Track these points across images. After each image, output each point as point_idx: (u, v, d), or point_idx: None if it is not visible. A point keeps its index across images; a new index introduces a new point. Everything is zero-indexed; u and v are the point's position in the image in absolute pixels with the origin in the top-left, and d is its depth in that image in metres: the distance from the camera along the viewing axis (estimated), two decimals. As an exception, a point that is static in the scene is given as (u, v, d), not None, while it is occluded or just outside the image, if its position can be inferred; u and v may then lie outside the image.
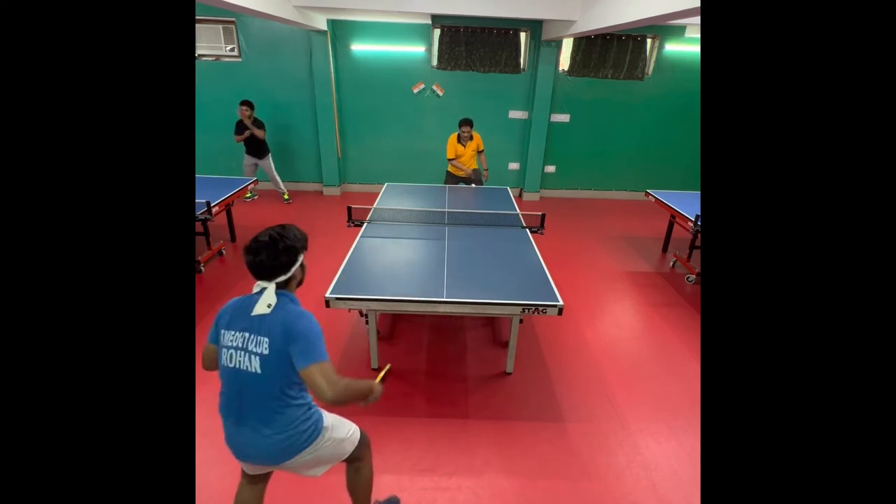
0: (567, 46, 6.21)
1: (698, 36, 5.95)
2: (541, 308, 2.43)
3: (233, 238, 4.83)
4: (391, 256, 3.02)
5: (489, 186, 5.05)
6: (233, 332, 1.41)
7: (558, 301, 2.44)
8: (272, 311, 1.38)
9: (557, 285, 2.63)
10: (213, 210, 3.89)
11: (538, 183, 6.80)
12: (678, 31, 6.08)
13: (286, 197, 6.22)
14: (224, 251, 4.56)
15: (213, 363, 1.55)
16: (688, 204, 4.47)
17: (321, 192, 6.76)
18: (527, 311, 2.46)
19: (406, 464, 2.23)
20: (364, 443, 1.70)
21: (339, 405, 1.42)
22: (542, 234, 3.56)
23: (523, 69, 6.27)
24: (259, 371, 1.37)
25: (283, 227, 1.46)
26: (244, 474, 1.66)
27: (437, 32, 6.02)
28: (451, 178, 5.37)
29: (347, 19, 5.93)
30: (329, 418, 1.57)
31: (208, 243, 4.30)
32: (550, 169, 6.87)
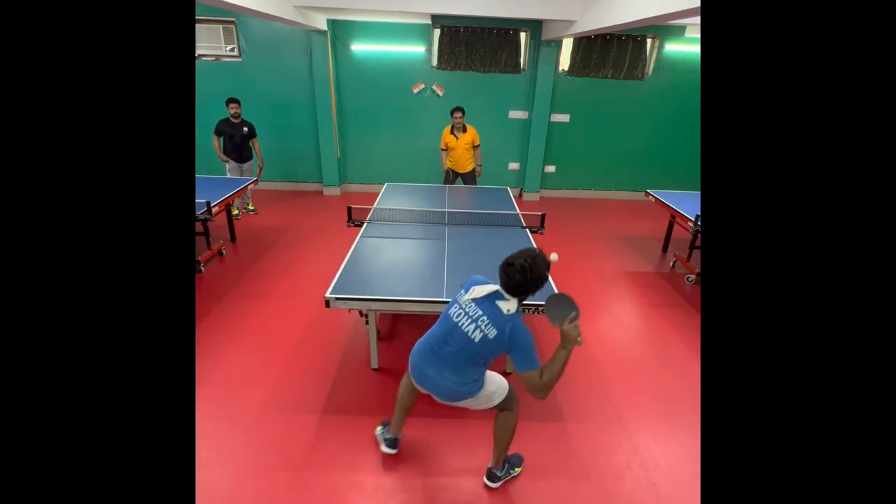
0: (567, 46, 6.21)
1: (698, 36, 5.95)
2: (541, 308, 2.43)
3: (233, 238, 4.84)
4: (391, 256, 3.02)
5: (489, 186, 5.05)
6: (474, 306, 1.77)
7: (558, 301, 2.44)
8: (509, 316, 1.72)
9: (557, 285, 2.63)
10: (213, 210, 3.89)
11: (538, 183, 6.80)
12: (678, 31, 6.09)
13: (251, 207, 5.82)
14: (224, 251, 4.56)
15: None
16: (688, 204, 4.46)
17: (321, 192, 6.76)
18: (527, 311, 2.46)
19: (405, 464, 2.23)
20: (513, 396, 2.01)
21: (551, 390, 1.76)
22: (542, 234, 3.56)
23: (523, 69, 6.28)
24: (476, 340, 1.75)
25: (534, 258, 1.73)
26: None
27: (437, 32, 6.02)
28: (449, 175, 5.39)
29: (347, 19, 5.93)
30: (489, 376, 1.94)
31: (208, 243, 4.30)
32: (550, 169, 6.87)
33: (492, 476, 2.11)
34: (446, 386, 1.85)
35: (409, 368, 1.97)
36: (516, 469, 2.18)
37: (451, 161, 5.27)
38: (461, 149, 5.13)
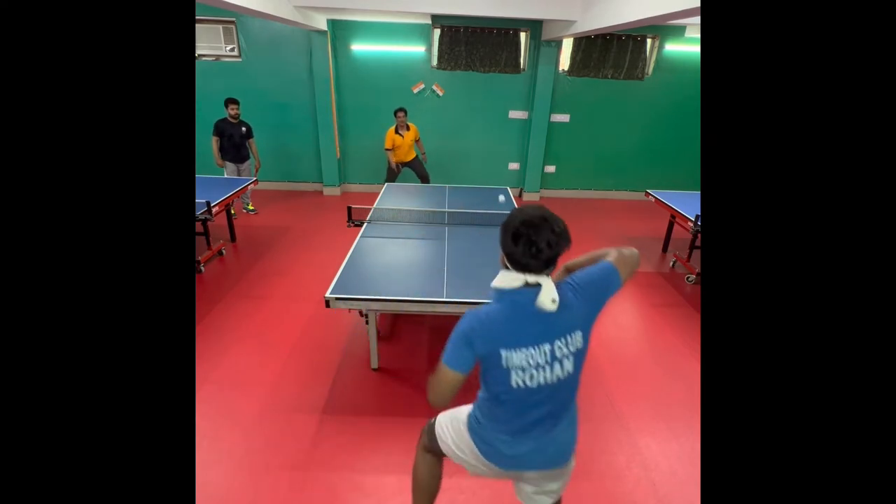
0: (567, 46, 6.21)
1: (698, 36, 5.95)
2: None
3: (233, 238, 4.84)
4: (391, 256, 3.02)
5: (489, 186, 5.05)
6: (529, 350, 1.15)
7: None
8: (564, 299, 1.16)
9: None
10: (213, 210, 3.89)
11: (538, 183, 6.80)
12: (678, 31, 6.09)
13: (250, 207, 5.83)
14: (224, 251, 4.56)
15: (454, 392, 1.24)
16: (688, 204, 4.46)
17: (321, 192, 6.76)
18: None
19: (407, 464, 2.23)
20: None
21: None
22: (542, 234, 3.56)
23: (523, 69, 6.28)
24: (572, 370, 1.21)
25: (538, 208, 1.17)
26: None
27: (437, 32, 6.02)
28: (399, 167, 5.82)
29: (347, 19, 5.93)
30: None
31: (208, 243, 4.30)
32: (550, 169, 6.87)
33: None
34: (567, 438, 1.32)
35: (506, 464, 1.33)
36: None
37: (396, 157, 5.71)
38: (407, 146, 5.67)
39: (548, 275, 1.16)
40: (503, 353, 1.15)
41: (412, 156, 5.83)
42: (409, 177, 6.45)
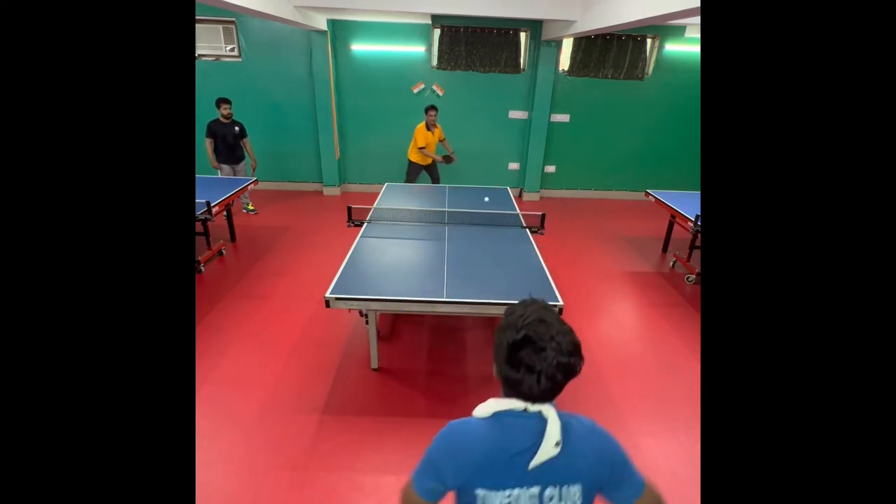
0: (567, 46, 6.22)
1: (698, 36, 5.95)
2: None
3: (233, 238, 4.84)
4: (391, 256, 3.02)
5: (489, 186, 5.05)
6: (513, 490, 0.92)
7: (558, 301, 2.44)
8: (573, 436, 0.94)
9: (557, 285, 2.63)
10: (213, 210, 3.89)
11: (538, 183, 6.80)
12: (678, 31, 6.09)
13: (250, 207, 5.80)
14: (224, 251, 4.56)
15: None
16: (688, 204, 4.46)
17: (321, 192, 6.76)
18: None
19: (406, 464, 2.23)
20: None
21: None
22: (542, 234, 3.56)
23: (523, 69, 6.28)
24: None
25: (540, 318, 0.90)
26: None
27: (437, 32, 6.02)
28: (416, 169, 5.66)
29: (347, 19, 5.93)
30: None
31: (208, 243, 4.30)
32: (550, 169, 6.87)
33: None
34: None
35: None
36: None
37: (423, 157, 5.57)
38: (433, 144, 5.56)
39: (552, 404, 0.94)
40: (480, 493, 0.92)
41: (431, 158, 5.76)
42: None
